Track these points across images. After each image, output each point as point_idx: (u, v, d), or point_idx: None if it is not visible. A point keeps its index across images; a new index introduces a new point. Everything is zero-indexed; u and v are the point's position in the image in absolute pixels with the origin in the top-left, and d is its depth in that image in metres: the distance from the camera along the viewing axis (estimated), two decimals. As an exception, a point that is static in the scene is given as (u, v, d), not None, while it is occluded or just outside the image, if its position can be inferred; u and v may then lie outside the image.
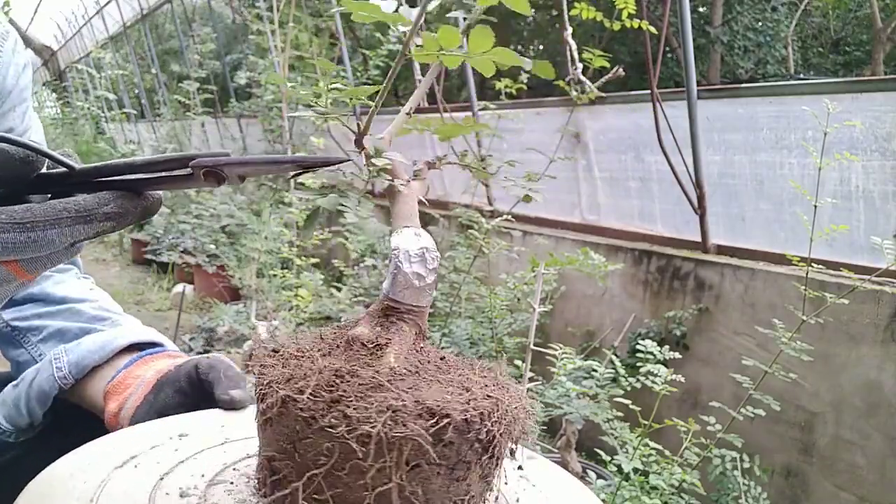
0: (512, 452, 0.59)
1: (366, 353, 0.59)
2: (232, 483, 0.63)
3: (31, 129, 0.97)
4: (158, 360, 0.90)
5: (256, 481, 0.61)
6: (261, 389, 0.55)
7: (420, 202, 0.64)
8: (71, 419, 0.91)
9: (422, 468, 0.53)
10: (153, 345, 0.94)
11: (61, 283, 1.01)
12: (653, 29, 3.15)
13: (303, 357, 0.58)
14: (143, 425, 0.75)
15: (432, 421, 0.52)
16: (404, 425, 0.51)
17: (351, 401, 0.52)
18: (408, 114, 0.65)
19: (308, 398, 0.52)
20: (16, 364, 0.97)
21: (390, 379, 0.56)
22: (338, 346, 0.60)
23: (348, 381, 0.55)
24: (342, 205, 0.61)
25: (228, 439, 0.72)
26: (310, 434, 0.52)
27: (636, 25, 3.06)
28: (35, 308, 0.98)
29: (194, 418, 0.77)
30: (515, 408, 0.57)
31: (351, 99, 0.64)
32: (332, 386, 0.54)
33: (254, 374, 0.57)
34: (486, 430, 0.54)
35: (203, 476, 0.64)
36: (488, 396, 0.56)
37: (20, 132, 0.94)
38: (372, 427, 0.50)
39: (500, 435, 0.56)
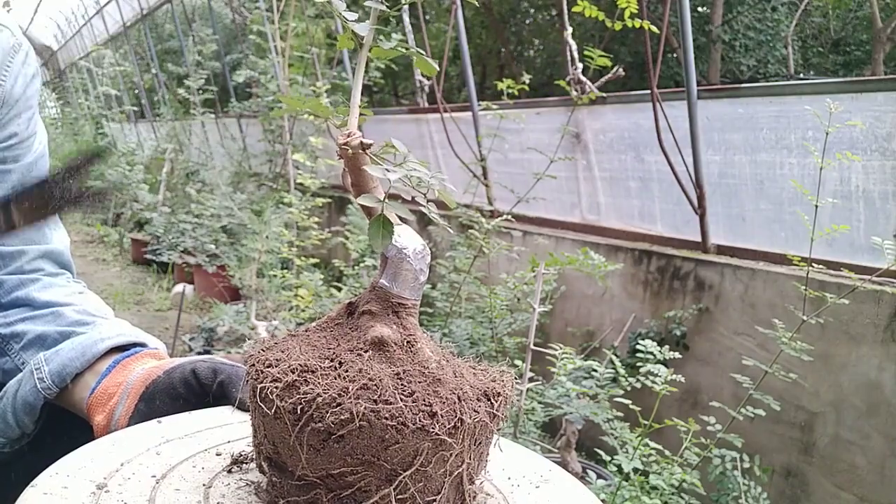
0: None
1: (402, 352, 0.60)
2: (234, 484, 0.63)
3: (35, 135, 1.00)
4: (138, 363, 0.88)
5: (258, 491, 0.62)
6: (317, 408, 0.54)
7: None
8: (60, 422, 0.90)
9: (481, 444, 0.59)
10: (135, 345, 0.93)
11: (48, 288, 1.00)
12: (655, 28, 3.15)
13: (342, 367, 0.58)
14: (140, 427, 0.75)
15: (490, 401, 0.58)
16: (476, 411, 0.57)
17: (427, 398, 0.55)
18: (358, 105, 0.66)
19: (391, 406, 0.54)
20: (1, 372, 0.96)
21: (441, 371, 0.59)
22: (363, 350, 0.60)
23: (411, 381, 0.57)
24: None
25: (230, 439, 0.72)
26: (401, 439, 0.54)
27: (638, 25, 3.06)
28: (20, 314, 0.97)
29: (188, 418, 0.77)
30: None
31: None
32: (404, 388, 0.56)
33: (292, 391, 0.56)
34: (509, 400, 0.61)
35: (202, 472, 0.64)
36: (496, 374, 0.63)
37: (24, 137, 0.97)
38: (459, 419, 0.55)
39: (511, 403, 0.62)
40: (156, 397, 0.81)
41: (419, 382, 0.57)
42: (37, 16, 17.39)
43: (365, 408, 0.53)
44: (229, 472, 0.65)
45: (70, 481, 0.60)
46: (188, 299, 6.12)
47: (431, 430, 0.54)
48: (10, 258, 0.97)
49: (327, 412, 0.53)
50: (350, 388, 0.54)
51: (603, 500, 2.20)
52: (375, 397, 0.54)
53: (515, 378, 0.64)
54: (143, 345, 0.93)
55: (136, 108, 12.35)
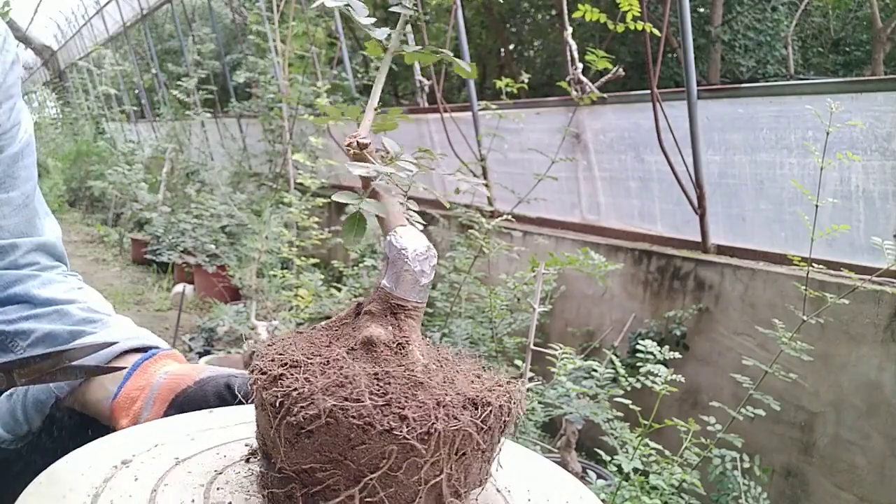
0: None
1: (390, 353, 0.60)
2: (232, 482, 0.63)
3: (19, 125, 0.95)
4: (158, 365, 0.89)
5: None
6: (293, 402, 0.54)
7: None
8: (61, 420, 0.91)
9: (466, 455, 0.56)
10: (148, 347, 0.92)
11: (47, 285, 0.97)
12: (656, 31, 3.15)
13: (327, 364, 0.58)
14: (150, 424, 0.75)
15: (477, 410, 0.56)
16: (456, 419, 0.54)
17: (401, 401, 0.54)
18: (375, 109, 0.65)
19: (358, 405, 0.53)
20: None
21: (427, 375, 0.58)
22: (353, 349, 0.60)
23: (390, 383, 0.56)
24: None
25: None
26: (367, 440, 0.53)
27: (640, 28, 3.06)
28: (20, 311, 0.94)
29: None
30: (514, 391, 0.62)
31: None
32: (379, 389, 0.55)
33: (275, 386, 0.56)
34: (510, 412, 0.59)
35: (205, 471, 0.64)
36: (497, 384, 0.61)
37: (7, 128, 0.92)
38: (432, 425, 0.53)
39: (513, 416, 0.60)
40: (186, 407, 0.82)
41: (398, 385, 0.56)
42: (37, 16, 17.40)
43: (332, 405, 0.53)
44: (247, 461, 0.66)
45: (99, 456, 0.63)
46: (188, 299, 6.12)
47: (399, 433, 0.52)
48: (2, 252, 0.94)
49: (298, 407, 0.53)
50: (324, 384, 0.55)
51: (603, 500, 2.20)
52: (346, 395, 0.54)
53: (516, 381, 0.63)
54: (154, 347, 0.93)
55: (136, 108, 12.35)
